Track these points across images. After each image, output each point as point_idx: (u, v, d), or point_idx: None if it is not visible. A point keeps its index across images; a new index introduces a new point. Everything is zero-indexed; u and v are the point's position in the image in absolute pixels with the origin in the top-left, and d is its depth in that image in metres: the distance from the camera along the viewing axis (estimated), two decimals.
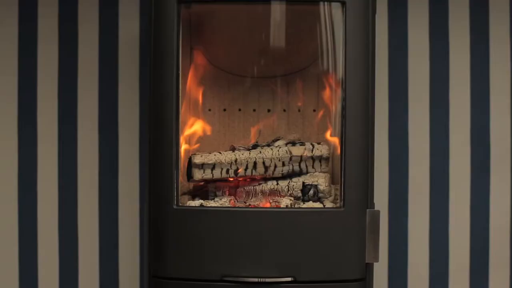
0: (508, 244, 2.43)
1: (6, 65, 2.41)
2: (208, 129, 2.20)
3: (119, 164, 2.42)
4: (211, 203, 2.00)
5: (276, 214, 1.92)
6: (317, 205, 2.01)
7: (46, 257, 2.43)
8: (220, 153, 2.05)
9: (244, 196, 2.06)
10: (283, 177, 2.07)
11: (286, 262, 1.90)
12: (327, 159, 2.07)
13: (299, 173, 2.07)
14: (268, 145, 2.09)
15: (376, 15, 1.97)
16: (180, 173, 1.95)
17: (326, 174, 2.07)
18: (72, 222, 2.43)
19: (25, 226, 2.42)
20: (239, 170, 2.04)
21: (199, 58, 2.19)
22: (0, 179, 2.42)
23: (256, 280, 1.88)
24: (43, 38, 2.41)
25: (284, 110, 2.23)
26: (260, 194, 2.05)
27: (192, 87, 2.17)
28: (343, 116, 1.90)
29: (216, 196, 2.06)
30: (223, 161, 2.03)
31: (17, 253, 2.43)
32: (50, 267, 2.43)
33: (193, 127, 2.16)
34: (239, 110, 2.23)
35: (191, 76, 2.17)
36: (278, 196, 2.04)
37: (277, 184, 2.05)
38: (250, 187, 2.06)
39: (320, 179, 2.05)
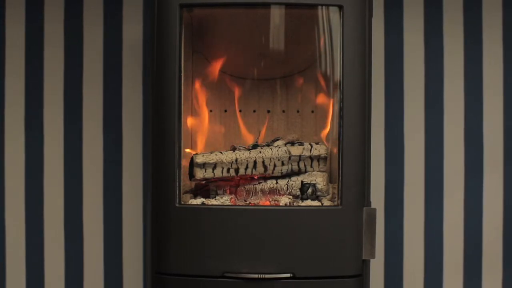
0: (501, 242, 2.44)
1: (14, 67, 2.42)
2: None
3: (123, 163, 2.43)
4: (212, 202, 2.01)
5: (276, 212, 1.92)
6: (315, 203, 2.02)
7: (52, 253, 2.44)
8: (221, 153, 2.05)
9: (244, 194, 2.06)
10: (282, 176, 2.07)
11: (285, 258, 1.90)
12: (325, 158, 2.08)
13: (298, 172, 2.07)
14: (268, 145, 2.09)
15: (373, 18, 1.98)
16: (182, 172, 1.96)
17: (324, 173, 2.07)
18: (77, 219, 2.44)
19: (31, 223, 2.43)
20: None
21: (200, 60, 2.19)
22: (8, 177, 2.43)
23: (256, 276, 1.89)
24: (49, 41, 2.42)
25: (284, 111, 2.25)
26: (260, 192, 2.05)
27: (193, 89, 2.19)
28: (341, 116, 1.91)
29: (217, 194, 2.06)
30: (224, 160, 2.03)
31: (24, 249, 2.44)
32: (56, 263, 2.44)
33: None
34: (240, 111, 2.24)
35: (193, 77, 2.18)
36: (277, 195, 2.05)
37: (277, 183, 2.06)
38: (250, 186, 2.06)
39: (318, 178, 2.05)
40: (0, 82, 2.43)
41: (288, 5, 2.02)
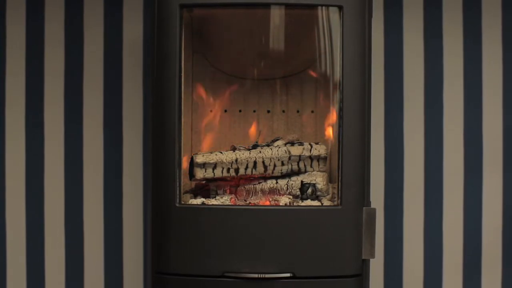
0: (501, 242, 2.44)
1: (15, 67, 2.43)
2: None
3: (123, 163, 2.43)
4: (212, 201, 2.01)
5: (276, 212, 1.93)
6: (315, 203, 2.02)
7: (53, 253, 2.44)
8: (221, 152, 2.05)
9: (244, 194, 2.06)
10: (282, 176, 2.07)
11: (285, 258, 1.90)
12: (325, 158, 2.08)
13: (298, 172, 2.08)
14: (268, 145, 2.09)
15: (372, 19, 1.99)
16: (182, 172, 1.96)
17: (324, 173, 2.08)
18: (78, 219, 2.44)
19: (32, 223, 2.44)
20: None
21: (201, 61, 2.19)
22: (8, 177, 2.44)
23: (256, 276, 1.89)
24: (49, 41, 2.42)
25: (283, 111, 2.25)
26: (260, 192, 2.06)
27: (193, 89, 2.20)
28: (341, 117, 1.91)
29: (217, 194, 2.07)
30: (224, 160, 2.04)
31: (25, 249, 2.44)
32: (57, 263, 2.45)
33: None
34: (240, 111, 2.25)
35: (193, 78, 2.19)
36: (277, 195, 2.05)
37: (277, 183, 2.06)
38: (250, 186, 2.06)
39: (318, 178, 2.06)
40: (0, 82, 2.44)
41: (288, 5, 2.02)
